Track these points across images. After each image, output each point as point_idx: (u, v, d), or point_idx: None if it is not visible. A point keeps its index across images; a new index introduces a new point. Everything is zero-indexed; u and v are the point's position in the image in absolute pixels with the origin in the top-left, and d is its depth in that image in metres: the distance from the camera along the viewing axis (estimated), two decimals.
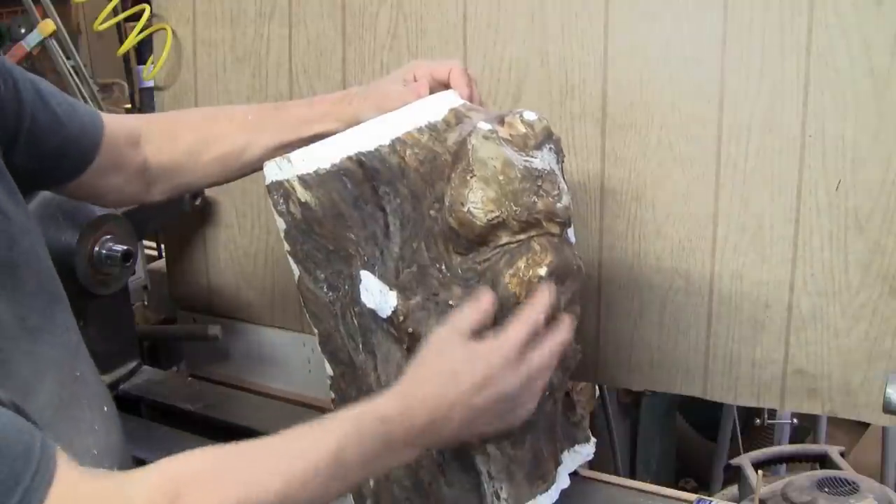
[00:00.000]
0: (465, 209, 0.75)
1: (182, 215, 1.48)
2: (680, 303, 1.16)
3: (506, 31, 1.21)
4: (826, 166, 1.05)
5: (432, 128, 0.82)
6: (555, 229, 0.79)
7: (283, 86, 1.42)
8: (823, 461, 1.35)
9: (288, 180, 0.87)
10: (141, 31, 1.49)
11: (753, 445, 1.80)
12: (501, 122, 0.80)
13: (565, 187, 0.80)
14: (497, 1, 1.21)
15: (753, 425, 2.08)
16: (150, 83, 1.59)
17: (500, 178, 0.75)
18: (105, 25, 1.50)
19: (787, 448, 1.52)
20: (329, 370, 0.93)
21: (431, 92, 0.90)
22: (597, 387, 1.76)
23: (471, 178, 0.75)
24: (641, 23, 1.12)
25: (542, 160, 0.79)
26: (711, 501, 1.02)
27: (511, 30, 1.21)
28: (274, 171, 0.89)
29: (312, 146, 0.88)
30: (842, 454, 1.33)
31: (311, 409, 1.39)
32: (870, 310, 1.05)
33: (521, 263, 0.77)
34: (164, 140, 0.99)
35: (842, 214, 1.05)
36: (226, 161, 0.99)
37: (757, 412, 1.99)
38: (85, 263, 1.26)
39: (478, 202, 0.75)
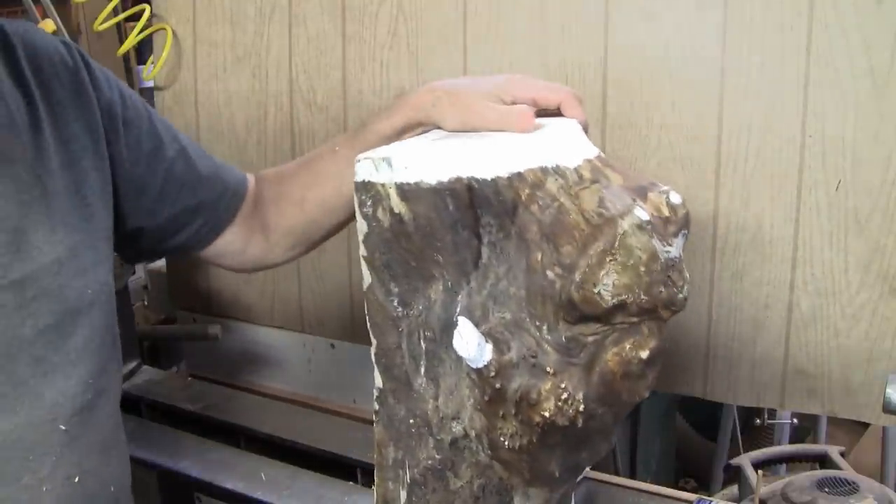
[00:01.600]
0: (596, 291, 0.72)
1: None
2: None
3: (506, 31, 1.21)
4: (826, 166, 1.05)
5: (561, 174, 0.73)
6: (666, 315, 0.76)
7: (283, 85, 1.42)
8: (823, 461, 1.35)
9: (384, 185, 0.76)
10: (141, 31, 1.49)
11: (753, 445, 1.80)
12: (644, 196, 0.74)
13: (688, 276, 0.76)
14: (497, 1, 1.21)
15: (753, 425, 2.08)
16: (150, 83, 1.60)
17: (641, 269, 0.71)
18: (105, 25, 1.50)
19: (787, 448, 1.52)
20: (378, 381, 0.87)
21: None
22: None
23: (610, 261, 0.71)
24: (641, 23, 1.12)
25: (676, 248, 0.75)
26: (711, 501, 1.02)
27: (511, 30, 1.21)
28: (368, 169, 0.77)
29: (416, 150, 0.78)
30: (842, 454, 1.33)
31: (311, 410, 1.39)
32: (870, 310, 1.05)
33: (627, 345, 0.75)
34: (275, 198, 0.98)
35: (842, 214, 1.05)
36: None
37: (757, 412, 1.99)
38: None
39: (610, 286, 0.71)
